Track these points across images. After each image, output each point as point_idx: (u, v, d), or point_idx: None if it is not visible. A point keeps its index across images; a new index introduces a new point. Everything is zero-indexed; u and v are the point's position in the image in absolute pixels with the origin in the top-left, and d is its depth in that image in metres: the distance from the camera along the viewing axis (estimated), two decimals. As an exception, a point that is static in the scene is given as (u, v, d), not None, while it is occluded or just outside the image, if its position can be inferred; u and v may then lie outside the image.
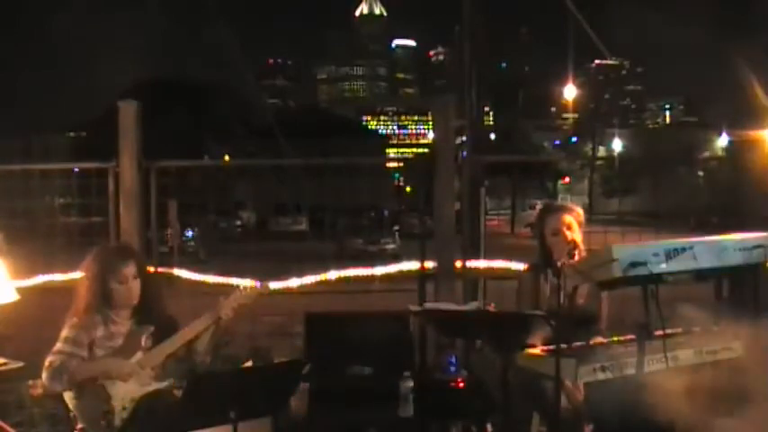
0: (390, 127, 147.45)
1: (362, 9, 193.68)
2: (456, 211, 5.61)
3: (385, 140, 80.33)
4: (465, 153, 6.29)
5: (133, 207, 5.50)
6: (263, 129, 44.79)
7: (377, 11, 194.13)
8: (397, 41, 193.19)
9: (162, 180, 5.75)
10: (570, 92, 35.21)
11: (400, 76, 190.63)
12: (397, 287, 5.77)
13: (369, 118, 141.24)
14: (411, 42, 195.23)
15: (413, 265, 5.43)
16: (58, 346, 3.31)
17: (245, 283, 4.32)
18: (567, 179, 55.79)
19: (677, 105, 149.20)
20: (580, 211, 3.97)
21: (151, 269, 4.42)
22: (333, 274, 6.11)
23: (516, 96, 55.23)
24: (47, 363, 3.26)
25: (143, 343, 3.43)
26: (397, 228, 24.24)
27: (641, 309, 3.17)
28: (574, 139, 62.53)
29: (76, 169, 6.35)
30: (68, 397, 3.32)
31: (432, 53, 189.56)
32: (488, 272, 5.61)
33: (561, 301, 3.39)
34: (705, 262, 3.24)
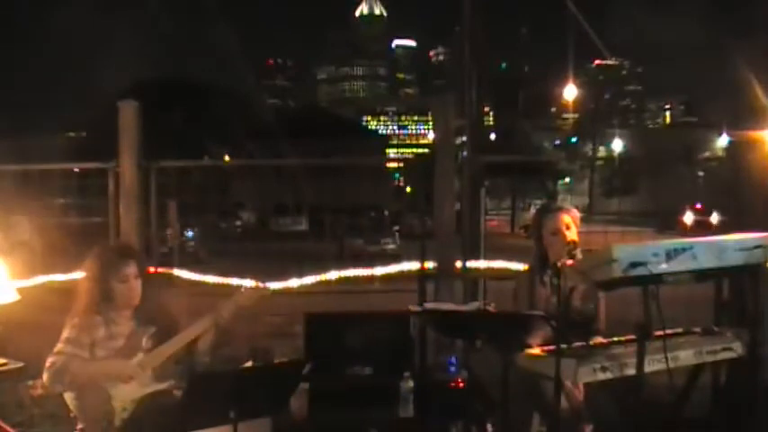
0: (390, 127, 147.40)
1: (362, 9, 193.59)
2: (456, 211, 5.62)
3: (385, 140, 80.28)
4: (465, 153, 6.30)
5: (133, 207, 5.50)
6: (263, 129, 44.81)
7: (377, 11, 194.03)
8: (397, 41, 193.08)
9: (162, 180, 5.76)
10: (570, 92, 35.12)
11: (400, 76, 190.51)
12: (397, 287, 5.78)
13: (369, 118, 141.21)
14: (411, 42, 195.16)
15: (413, 266, 5.44)
16: (59, 346, 3.31)
17: (246, 283, 4.32)
18: (567, 179, 55.86)
19: (677, 105, 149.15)
20: (576, 212, 3.96)
21: (151, 269, 4.42)
22: (333, 275, 6.12)
23: (516, 96, 55.20)
24: (48, 363, 3.25)
25: (144, 344, 3.42)
26: (397, 228, 24.25)
27: (641, 309, 3.17)
28: (574, 139, 62.48)
29: (76, 169, 6.36)
30: (69, 397, 3.32)
31: (432, 53, 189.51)
32: (488, 272, 5.62)
33: (560, 301, 3.39)
34: (705, 262, 3.23)
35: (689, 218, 32.14)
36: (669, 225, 30.94)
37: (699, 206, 33.24)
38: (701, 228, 28.23)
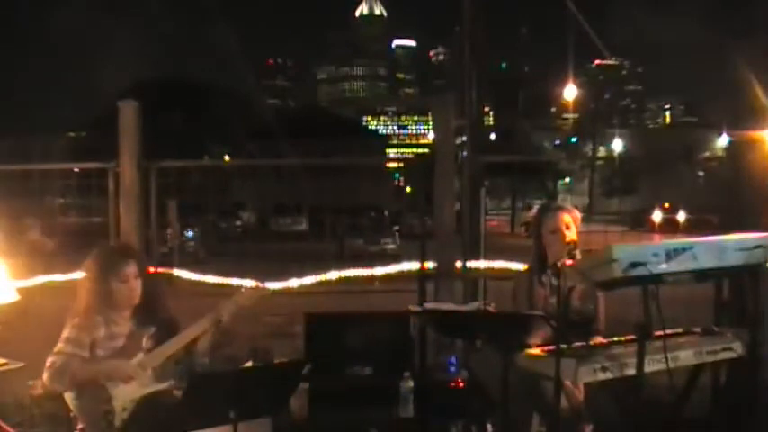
0: (390, 127, 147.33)
1: (362, 9, 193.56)
2: (456, 211, 5.61)
3: (385, 140, 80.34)
4: (465, 153, 6.29)
5: (133, 207, 5.50)
6: (263, 129, 44.83)
7: (377, 11, 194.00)
8: (397, 41, 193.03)
9: (162, 180, 5.75)
10: (570, 92, 35.12)
11: (400, 76, 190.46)
12: (397, 287, 5.78)
13: (369, 118, 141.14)
14: (411, 42, 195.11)
15: (413, 266, 5.43)
16: (60, 346, 3.31)
17: (246, 283, 4.32)
18: (567, 179, 55.87)
19: (677, 105, 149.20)
20: (577, 212, 3.96)
21: (151, 269, 4.42)
22: (333, 275, 6.11)
23: (516, 96, 55.20)
24: (48, 363, 3.25)
25: (144, 344, 3.42)
26: (397, 228, 24.23)
27: (641, 309, 3.17)
28: (574, 139, 62.51)
29: (77, 169, 6.36)
30: (69, 397, 3.32)
31: (432, 53, 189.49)
32: (488, 272, 5.61)
33: (560, 301, 3.39)
34: (705, 262, 3.23)
35: (657, 216, 34.36)
36: (640, 223, 33.16)
37: (666, 205, 35.93)
38: (669, 225, 31.33)
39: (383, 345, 4.64)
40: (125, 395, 3.29)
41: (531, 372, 3.40)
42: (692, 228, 29.75)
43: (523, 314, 3.67)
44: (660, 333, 3.16)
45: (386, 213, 32.40)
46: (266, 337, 6.32)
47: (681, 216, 33.46)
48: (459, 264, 5.45)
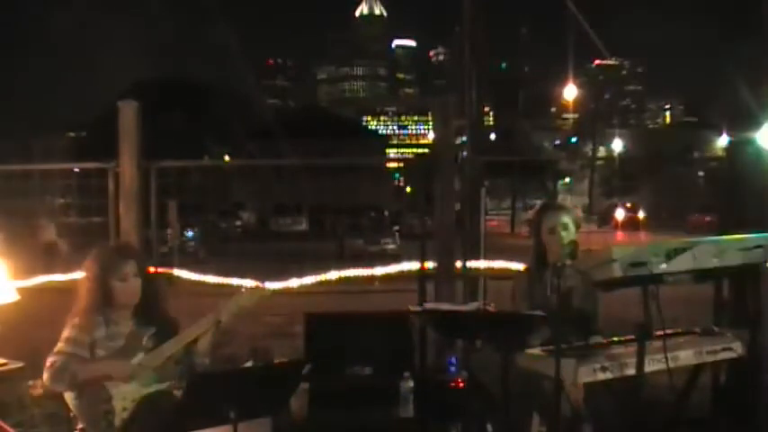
0: (390, 127, 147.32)
1: (362, 9, 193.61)
2: (456, 211, 5.62)
3: (385, 140, 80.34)
4: (465, 153, 6.30)
5: (133, 207, 5.50)
6: (263, 129, 44.83)
7: (377, 11, 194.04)
8: (397, 42, 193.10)
9: (162, 180, 5.76)
10: (570, 92, 35.33)
11: (400, 76, 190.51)
12: (397, 287, 5.79)
13: (369, 118, 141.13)
14: (411, 42, 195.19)
15: (413, 266, 5.44)
16: (60, 346, 3.31)
17: (246, 283, 4.32)
18: (567, 179, 55.93)
19: (677, 105, 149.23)
20: (579, 212, 3.96)
21: (151, 269, 4.42)
22: (333, 275, 6.13)
23: (516, 96, 55.27)
24: (48, 363, 3.25)
25: (144, 344, 3.42)
26: (397, 228, 24.24)
27: (641, 309, 3.17)
28: (574, 139, 62.59)
29: (77, 169, 6.37)
30: (69, 397, 3.32)
31: (432, 53, 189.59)
32: (488, 272, 5.62)
33: (559, 300, 3.39)
34: (705, 262, 3.23)
35: (620, 214, 37.40)
36: (606, 221, 36.33)
37: (629, 205, 39.87)
38: (630, 222, 34.73)
39: (383, 345, 4.64)
40: (125, 395, 3.29)
41: (531, 372, 3.40)
42: (651, 225, 33.19)
43: (523, 314, 3.67)
44: (660, 333, 3.16)
45: (386, 213, 32.44)
46: (266, 337, 6.33)
47: (641, 214, 37.08)
48: (459, 264, 5.46)
